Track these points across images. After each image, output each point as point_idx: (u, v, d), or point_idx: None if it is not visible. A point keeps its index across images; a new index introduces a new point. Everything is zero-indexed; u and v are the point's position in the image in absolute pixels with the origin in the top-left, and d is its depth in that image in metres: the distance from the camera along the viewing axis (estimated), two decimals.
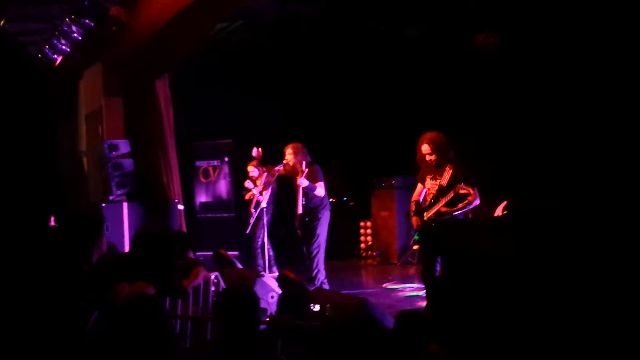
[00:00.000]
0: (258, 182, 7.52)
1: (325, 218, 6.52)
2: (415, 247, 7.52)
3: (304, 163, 6.46)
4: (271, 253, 7.72)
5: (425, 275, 5.19)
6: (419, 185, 5.45)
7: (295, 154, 6.53)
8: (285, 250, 8.24)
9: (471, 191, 4.98)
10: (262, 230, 7.46)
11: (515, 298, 3.42)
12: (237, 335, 2.69)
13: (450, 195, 5.06)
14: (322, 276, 6.48)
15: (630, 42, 5.00)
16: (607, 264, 3.24)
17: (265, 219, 7.36)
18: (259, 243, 7.59)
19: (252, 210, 7.54)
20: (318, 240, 6.45)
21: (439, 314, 3.42)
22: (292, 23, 8.52)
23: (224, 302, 2.85)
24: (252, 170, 7.70)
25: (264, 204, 7.21)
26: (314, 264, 6.41)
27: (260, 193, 7.41)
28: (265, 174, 7.34)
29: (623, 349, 2.99)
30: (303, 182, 6.37)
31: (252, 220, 7.53)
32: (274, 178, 6.91)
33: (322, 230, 6.49)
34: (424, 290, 5.38)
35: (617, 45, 5.14)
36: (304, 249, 6.59)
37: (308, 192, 6.49)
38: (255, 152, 7.64)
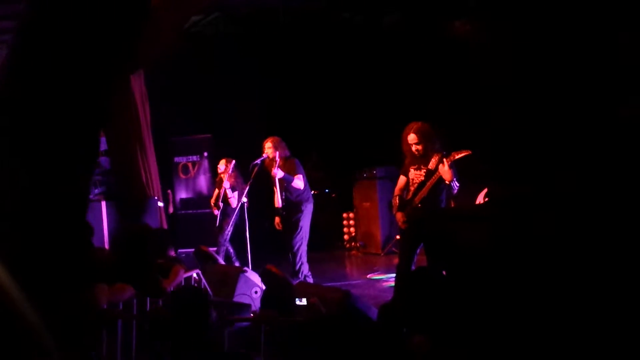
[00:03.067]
0: (224, 178, 7.57)
1: (308, 211, 6.47)
2: (398, 236, 7.52)
3: (277, 154, 6.40)
4: (231, 250, 7.74)
5: (401, 266, 5.14)
6: (402, 178, 5.40)
7: (275, 147, 6.46)
8: (266, 244, 8.21)
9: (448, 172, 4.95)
10: (230, 226, 7.55)
11: (498, 285, 3.42)
12: (187, 333, 2.77)
13: (437, 176, 5.03)
14: (305, 269, 6.44)
15: (609, 29, 5.00)
16: (587, 249, 3.24)
17: (234, 216, 7.42)
18: (227, 237, 7.63)
19: (219, 204, 7.66)
20: (301, 234, 6.39)
21: (420, 304, 3.40)
22: (268, 14, 8.43)
23: (175, 301, 2.95)
24: (221, 166, 7.74)
25: (244, 199, 7.16)
26: (297, 258, 6.36)
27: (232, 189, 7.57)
28: (227, 175, 7.51)
29: (601, 335, 3.00)
30: (278, 172, 6.31)
31: (218, 215, 7.72)
32: (253, 175, 6.81)
33: (305, 223, 6.43)
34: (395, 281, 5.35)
35: (596, 30, 5.15)
36: (286, 242, 6.53)
37: (286, 185, 6.43)
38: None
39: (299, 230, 6.39)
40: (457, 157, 4.94)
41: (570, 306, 3.05)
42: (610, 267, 3.08)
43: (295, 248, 6.36)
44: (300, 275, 6.30)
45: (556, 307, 3.07)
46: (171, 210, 9.66)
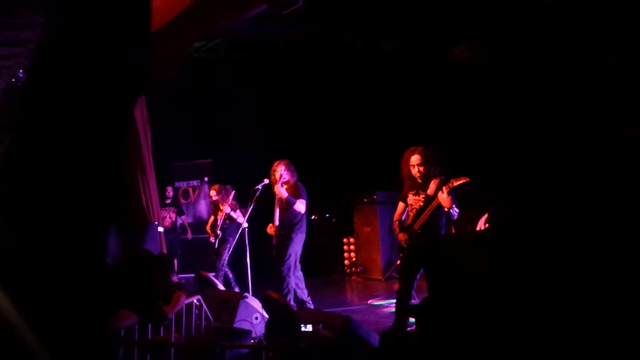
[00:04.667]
0: (221, 207, 7.64)
1: (298, 239, 6.41)
2: (399, 262, 7.50)
3: (284, 173, 6.42)
4: (230, 275, 7.73)
5: (402, 292, 5.12)
6: (400, 204, 5.43)
7: (287, 169, 6.49)
8: (267, 269, 8.20)
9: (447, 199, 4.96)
10: (227, 251, 7.58)
11: (502, 311, 3.41)
12: None
13: (436, 203, 5.05)
14: (304, 295, 6.42)
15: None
16: (594, 272, 3.23)
17: (234, 240, 7.45)
18: (224, 263, 7.65)
19: (216, 232, 7.73)
20: (289, 261, 6.34)
21: (423, 332, 3.39)
22: (269, 41, 8.52)
23: None
24: (214, 194, 7.81)
25: (245, 224, 7.16)
26: (284, 283, 6.31)
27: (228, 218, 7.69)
28: (227, 204, 7.59)
29: None
30: (282, 190, 6.33)
31: (215, 242, 7.82)
32: (254, 200, 6.83)
33: (294, 250, 6.37)
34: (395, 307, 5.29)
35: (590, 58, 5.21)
36: (276, 268, 6.49)
37: (287, 207, 6.42)
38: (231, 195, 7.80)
39: (287, 256, 6.34)
40: (455, 184, 4.96)
41: (578, 329, 3.04)
42: (619, 288, 3.06)
43: (284, 274, 6.32)
44: (287, 300, 6.24)
45: (563, 330, 3.06)
46: (189, 236, 9.73)
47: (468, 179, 4.96)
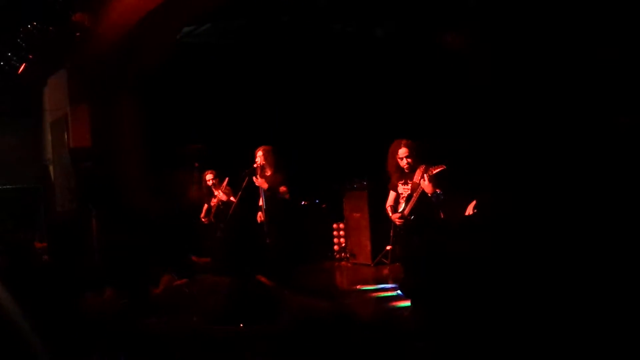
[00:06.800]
0: (216, 193, 7.65)
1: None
2: (388, 247, 7.57)
3: (259, 159, 6.43)
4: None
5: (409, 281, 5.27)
6: (392, 193, 5.71)
7: (266, 157, 6.48)
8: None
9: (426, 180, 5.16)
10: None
11: (489, 293, 3.45)
12: None
13: (422, 188, 5.32)
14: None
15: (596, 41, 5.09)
16: (575, 255, 3.27)
17: (225, 225, 7.49)
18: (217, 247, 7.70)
19: (210, 219, 7.74)
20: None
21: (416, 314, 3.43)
22: (260, 26, 8.47)
23: None
24: (210, 178, 7.80)
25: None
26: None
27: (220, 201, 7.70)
28: (221, 191, 7.62)
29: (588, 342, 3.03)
30: (260, 182, 6.37)
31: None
32: (244, 184, 6.84)
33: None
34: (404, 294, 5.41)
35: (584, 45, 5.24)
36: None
37: (274, 195, 6.43)
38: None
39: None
40: (434, 172, 5.27)
41: (568, 303, 3.09)
42: (612, 269, 3.11)
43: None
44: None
45: (552, 305, 3.11)
46: None
47: (444, 167, 5.29)
